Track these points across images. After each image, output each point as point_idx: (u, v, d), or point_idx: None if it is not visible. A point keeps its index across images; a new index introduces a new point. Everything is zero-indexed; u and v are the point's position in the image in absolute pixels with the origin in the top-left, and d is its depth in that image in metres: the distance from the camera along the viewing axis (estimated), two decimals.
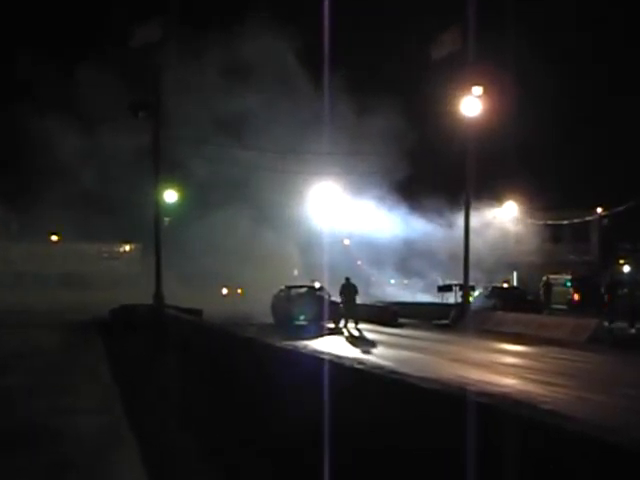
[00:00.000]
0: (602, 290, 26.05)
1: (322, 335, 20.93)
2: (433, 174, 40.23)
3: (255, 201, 41.56)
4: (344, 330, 24.08)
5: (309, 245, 39.79)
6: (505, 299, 29.40)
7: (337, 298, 25.86)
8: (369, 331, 24.13)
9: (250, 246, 40.67)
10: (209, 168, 37.85)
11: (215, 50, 39.18)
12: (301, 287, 28.10)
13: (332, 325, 24.15)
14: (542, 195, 44.98)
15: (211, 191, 40.45)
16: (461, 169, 27.67)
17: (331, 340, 20.07)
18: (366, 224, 42.55)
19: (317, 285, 28.10)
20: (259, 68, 40.61)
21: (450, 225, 39.94)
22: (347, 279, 26.18)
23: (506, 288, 34.77)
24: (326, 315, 23.34)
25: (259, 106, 40.13)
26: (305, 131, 36.91)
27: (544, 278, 35.54)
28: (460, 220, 30.15)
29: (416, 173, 41.09)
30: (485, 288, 33.49)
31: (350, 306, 25.33)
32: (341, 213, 40.83)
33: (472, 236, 28.54)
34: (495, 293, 31.68)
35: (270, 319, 26.50)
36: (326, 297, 25.35)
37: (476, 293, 32.80)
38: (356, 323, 24.90)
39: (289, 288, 27.61)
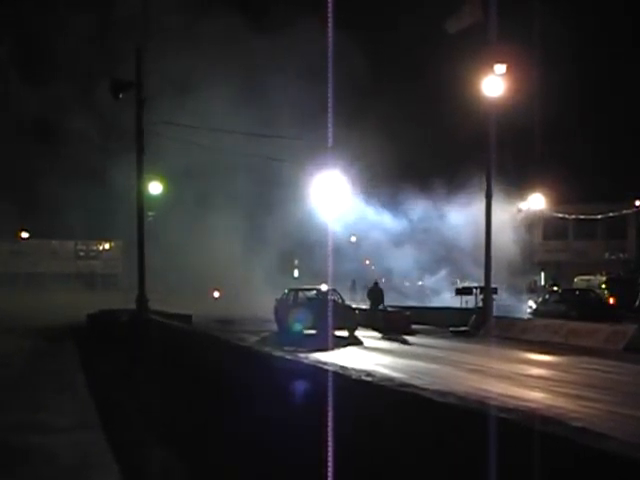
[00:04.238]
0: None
1: (334, 345, 20.76)
2: (449, 161, 40.20)
3: (249, 194, 41.56)
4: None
5: (310, 243, 39.74)
6: (579, 305, 27.48)
7: (352, 302, 26.94)
8: (378, 339, 24.10)
9: (245, 245, 40.67)
10: (195, 156, 37.84)
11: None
12: (309, 290, 27.90)
13: (346, 333, 23.82)
14: (572, 186, 44.89)
15: (199, 183, 40.47)
16: (478, 155, 27.67)
17: (344, 351, 19.92)
18: (375, 219, 42.53)
19: (325, 288, 27.87)
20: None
21: (469, 219, 39.89)
22: (375, 283, 29.04)
23: (581, 291, 32.05)
24: (339, 322, 23.13)
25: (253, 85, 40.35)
26: (303, 116, 36.84)
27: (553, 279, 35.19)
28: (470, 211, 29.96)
29: (429, 161, 41.09)
30: (550, 292, 32.33)
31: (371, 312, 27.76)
32: (346, 207, 40.68)
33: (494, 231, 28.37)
34: (566, 298, 29.64)
35: (271, 325, 26.45)
36: (339, 302, 25.25)
37: (540, 299, 31.91)
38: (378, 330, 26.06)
39: (295, 291, 27.45)
